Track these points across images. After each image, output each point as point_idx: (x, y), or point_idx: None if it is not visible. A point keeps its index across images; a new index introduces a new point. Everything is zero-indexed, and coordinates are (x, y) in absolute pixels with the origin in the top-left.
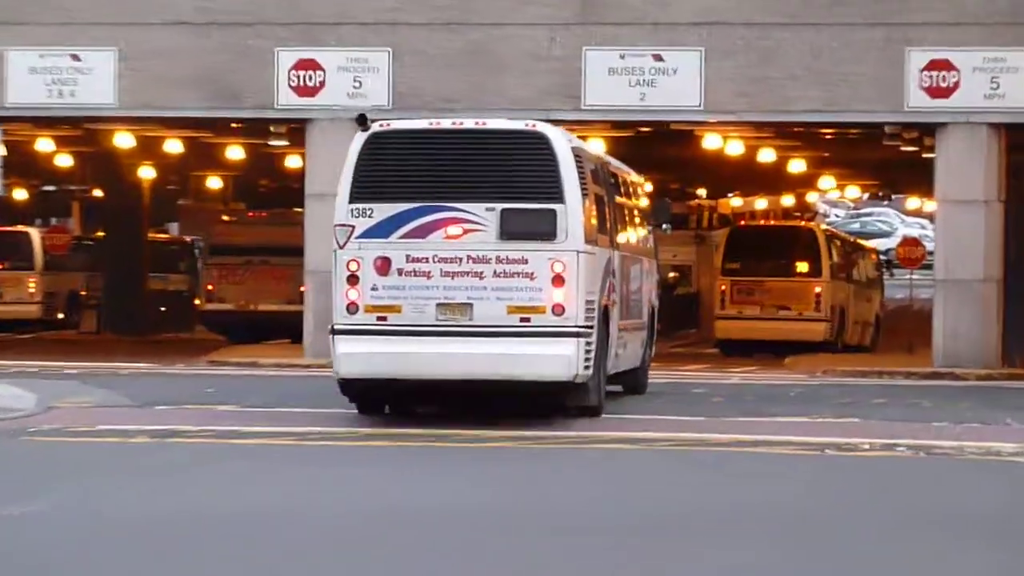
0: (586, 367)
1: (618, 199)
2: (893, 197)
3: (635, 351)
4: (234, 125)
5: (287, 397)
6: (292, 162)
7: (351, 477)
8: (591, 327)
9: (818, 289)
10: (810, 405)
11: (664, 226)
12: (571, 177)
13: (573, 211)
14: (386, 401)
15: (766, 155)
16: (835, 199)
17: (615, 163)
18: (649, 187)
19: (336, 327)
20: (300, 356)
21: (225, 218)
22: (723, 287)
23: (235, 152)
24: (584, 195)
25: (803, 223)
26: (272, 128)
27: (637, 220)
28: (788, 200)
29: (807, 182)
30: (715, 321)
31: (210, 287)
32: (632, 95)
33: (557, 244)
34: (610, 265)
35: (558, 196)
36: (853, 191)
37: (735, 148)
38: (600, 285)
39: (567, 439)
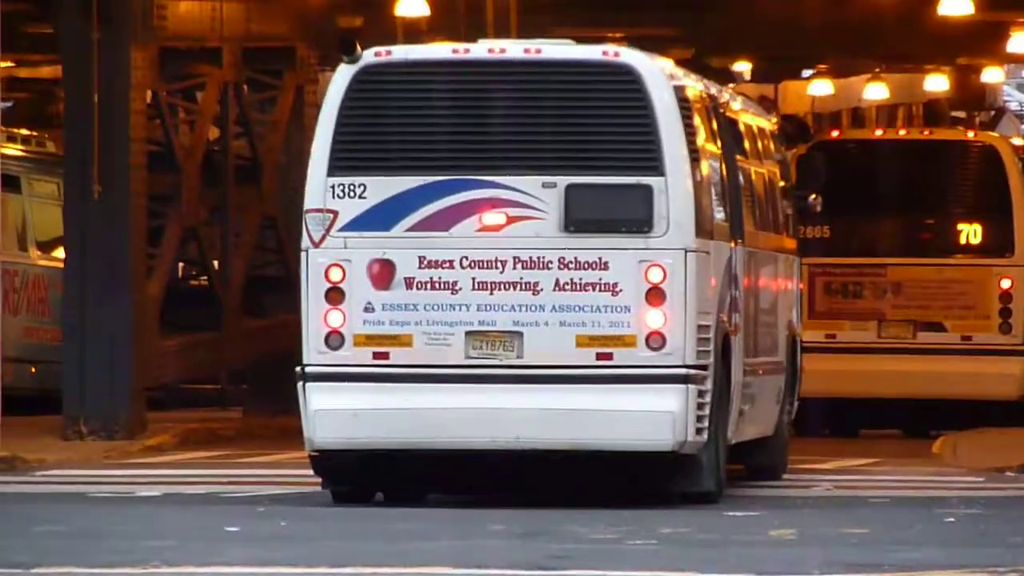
0: (698, 430)
1: (741, 160)
2: None
3: (767, 408)
4: None
5: None
6: None
7: None
8: (706, 367)
9: (1007, 282)
10: (987, 543)
11: (814, 198)
12: (674, 134)
13: (678, 187)
14: (380, 483)
15: None
16: None
17: (733, 100)
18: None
19: (308, 369)
20: None
21: None
22: None
23: None
24: (694, 161)
25: (972, 135)
26: None
27: (770, 192)
28: (936, 83)
29: (978, 42)
30: None
31: None
32: None
33: (654, 239)
34: (732, 269)
35: (654, 164)
36: None
37: None
38: (718, 301)
39: None
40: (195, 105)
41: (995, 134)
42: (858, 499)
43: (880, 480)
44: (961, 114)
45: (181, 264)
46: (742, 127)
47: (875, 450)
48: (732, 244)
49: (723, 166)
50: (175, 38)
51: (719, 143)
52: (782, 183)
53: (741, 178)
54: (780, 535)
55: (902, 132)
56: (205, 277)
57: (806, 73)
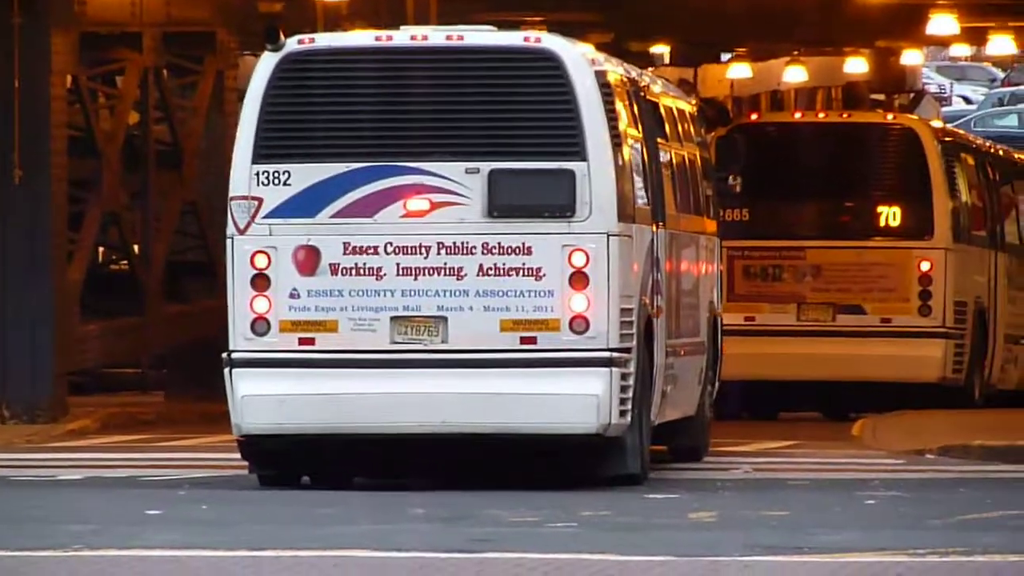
0: (622, 413)
1: (662, 143)
2: None
3: (690, 389)
4: None
5: None
6: None
7: None
8: (629, 350)
9: (926, 265)
10: (906, 525)
11: (732, 179)
12: (596, 119)
13: (600, 171)
14: (307, 467)
15: None
16: (963, 62)
17: (654, 83)
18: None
19: (234, 356)
20: None
21: None
22: None
23: None
24: (616, 146)
25: (891, 118)
26: None
27: (691, 175)
28: (855, 66)
29: (897, 24)
30: None
31: None
32: None
33: (576, 223)
34: (654, 252)
35: (577, 150)
36: (1003, 44)
37: None
38: (640, 284)
39: None
40: (115, 90)
41: (914, 117)
42: (778, 482)
43: (800, 463)
44: (880, 97)
45: (102, 249)
46: (663, 110)
47: (795, 433)
48: (654, 227)
49: (645, 150)
50: (95, 23)
51: (640, 127)
52: (702, 165)
53: (663, 161)
54: (700, 518)
55: (821, 115)
56: (126, 262)
57: (725, 57)
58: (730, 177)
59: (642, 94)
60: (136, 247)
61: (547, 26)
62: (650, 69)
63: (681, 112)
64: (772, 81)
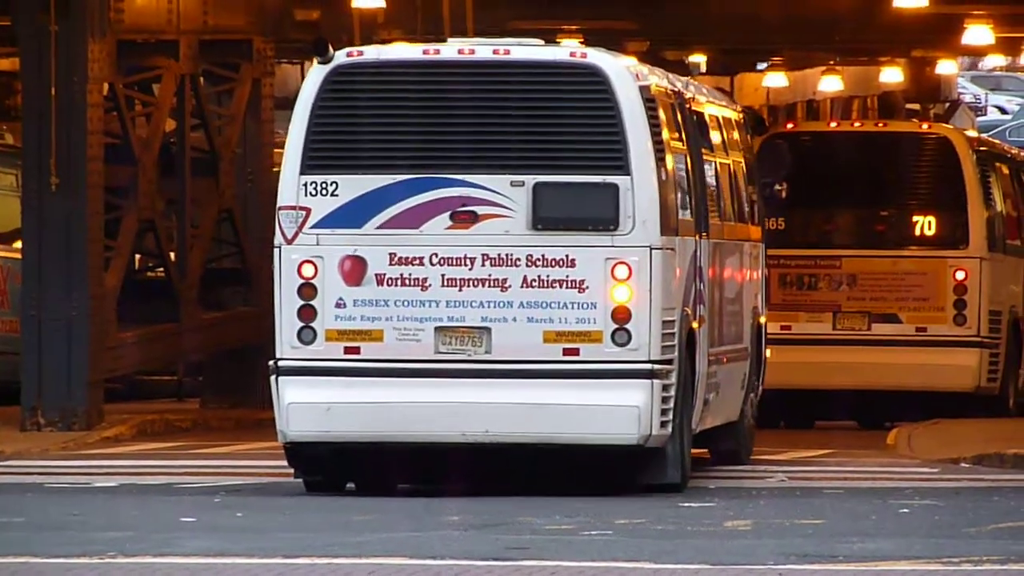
0: (663, 424)
1: (707, 153)
2: None
3: (732, 395)
4: None
5: None
6: None
7: None
8: (671, 362)
9: (961, 274)
10: (941, 534)
11: (778, 186)
12: (640, 133)
13: (643, 185)
14: (352, 474)
15: None
16: (998, 72)
17: (699, 93)
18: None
19: (281, 364)
20: None
21: None
22: None
23: None
24: (659, 160)
25: (926, 127)
26: None
27: (735, 183)
28: (891, 76)
29: (932, 35)
30: None
31: None
32: None
33: (620, 237)
34: (696, 262)
35: (621, 163)
36: None
37: None
38: (683, 295)
39: None
40: (152, 98)
41: (949, 126)
42: (813, 490)
43: (835, 471)
44: (916, 107)
45: (138, 256)
46: (708, 119)
47: (830, 441)
48: (697, 237)
49: (688, 161)
50: (132, 31)
51: (684, 138)
52: (747, 172)
53: (706, 171)
54: (735, 526)
55: (857, 124)
56: (162, 269)
57: (761, 66)
58: (774, 184)
59: (686, 105)
60: (172, 254)
61: (584, 34)
62: (690, 79)
63: (726, 120)
64: (808, 90)
